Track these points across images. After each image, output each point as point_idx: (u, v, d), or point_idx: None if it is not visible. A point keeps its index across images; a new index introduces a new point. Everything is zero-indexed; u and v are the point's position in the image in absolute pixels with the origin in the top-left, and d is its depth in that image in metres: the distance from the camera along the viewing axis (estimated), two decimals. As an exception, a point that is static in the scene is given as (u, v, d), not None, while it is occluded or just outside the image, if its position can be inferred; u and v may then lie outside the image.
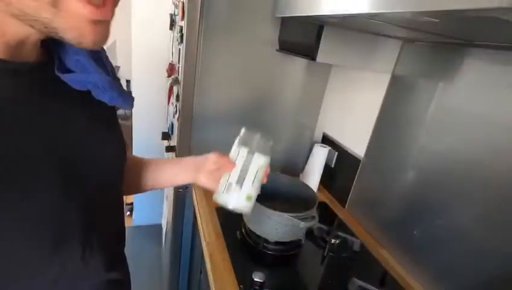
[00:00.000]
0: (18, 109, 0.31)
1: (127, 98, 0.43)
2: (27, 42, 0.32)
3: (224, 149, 0.63)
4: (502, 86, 0.68)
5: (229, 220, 1.02)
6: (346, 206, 1.21)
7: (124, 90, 0.42)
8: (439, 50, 0.84)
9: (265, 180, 0.61)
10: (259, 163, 0.58)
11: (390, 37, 0.91)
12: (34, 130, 0.33)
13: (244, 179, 0.57)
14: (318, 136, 1.41)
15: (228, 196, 0.57)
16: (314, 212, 0.88)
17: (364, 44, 0.92)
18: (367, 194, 1.12)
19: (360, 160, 1.13)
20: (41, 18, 0.27)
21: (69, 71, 0.37)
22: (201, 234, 0.95)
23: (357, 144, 1.16)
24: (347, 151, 1.21)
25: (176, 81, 1.30)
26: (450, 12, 0.33)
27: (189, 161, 0.67)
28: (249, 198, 0.58)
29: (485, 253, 0.71)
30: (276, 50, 1.15)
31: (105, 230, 0.43)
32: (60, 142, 0.35)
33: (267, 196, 1.07)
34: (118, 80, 0.44)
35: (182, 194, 1.29)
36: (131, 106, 0.43)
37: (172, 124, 1.45)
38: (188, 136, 1.22)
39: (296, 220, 0.84)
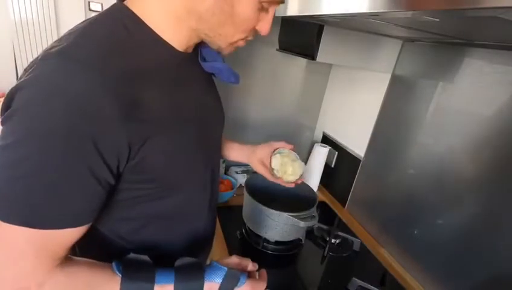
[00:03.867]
0: (184, 76, 0.52)
1: (236, 76, 0.62)
2: (192, 44, 0.52)
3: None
4: (502, 86, 0.68)
5: (229, 220, 1.02)
6: (346, 206, 1.21)
7: (234, 71, 0.62)
8: (439, 50, 0.84)
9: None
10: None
11: (390, 36, 0.91)
12: (187, 88, 0.53)
13: None
14: (318, 136, 1.41)
15: None
16: (314, 211, 0.88)
17: (364, 44, 0.92)
18: (367, 194, 1.12)
19: (360, 160, 1.13)
20: (216, 42, 0.50)
21: (204, 60, 0.58)
22: (201, 234, 0.95)
23: (357, 144, 1.16)
24: (347, 151, 1.21)
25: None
26: (451, 11, 0.33)
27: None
28: None
29: (485, 253, 0.71)
30: (276, 50, 1.15)
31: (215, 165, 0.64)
32: (197, 99, 0.55)
33: (267, 196, 1.07)
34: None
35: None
36: (238, 81, 0.62)
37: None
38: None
39: (296, 219, 0.84)
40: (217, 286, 0.48)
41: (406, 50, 0.95)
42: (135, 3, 0.44)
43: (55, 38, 0.60)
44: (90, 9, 1.32)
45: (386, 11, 0.41)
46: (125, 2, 0.45)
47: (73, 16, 1.28)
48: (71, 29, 0.42)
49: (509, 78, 0.67)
